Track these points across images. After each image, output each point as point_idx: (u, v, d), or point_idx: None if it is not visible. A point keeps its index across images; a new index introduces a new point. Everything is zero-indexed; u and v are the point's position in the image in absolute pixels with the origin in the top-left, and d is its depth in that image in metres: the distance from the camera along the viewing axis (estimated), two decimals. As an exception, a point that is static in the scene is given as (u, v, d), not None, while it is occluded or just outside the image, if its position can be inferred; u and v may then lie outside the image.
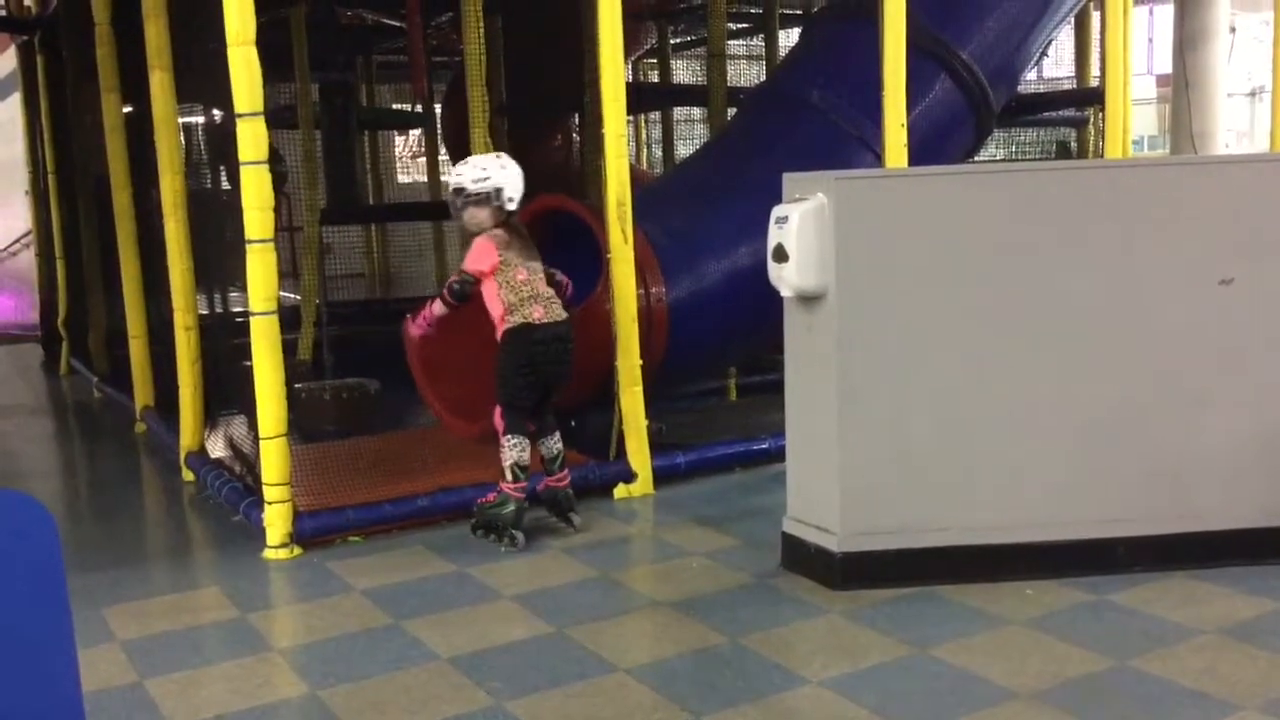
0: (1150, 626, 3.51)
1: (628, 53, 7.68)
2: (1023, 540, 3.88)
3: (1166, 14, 12.35)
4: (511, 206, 4.56)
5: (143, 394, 7.06)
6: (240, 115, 4.39)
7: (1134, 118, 7.55)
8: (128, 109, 6.89)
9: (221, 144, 5.45)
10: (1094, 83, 7.97)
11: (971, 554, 3.87)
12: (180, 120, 5.99)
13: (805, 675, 3.28)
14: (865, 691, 3.17)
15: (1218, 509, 3.94)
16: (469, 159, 4.71)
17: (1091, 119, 7.89)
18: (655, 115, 12.45)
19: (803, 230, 3.81)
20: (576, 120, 9.53)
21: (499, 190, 4.51)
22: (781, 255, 3.88)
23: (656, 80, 11.84)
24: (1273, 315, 3.92)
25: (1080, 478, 3.90)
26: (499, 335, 4.55)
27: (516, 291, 4.50)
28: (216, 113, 5.68)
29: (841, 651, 3.44)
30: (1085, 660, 3.30)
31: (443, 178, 11.64)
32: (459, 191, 4.55)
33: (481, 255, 4.51)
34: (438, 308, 4.58)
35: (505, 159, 4.63)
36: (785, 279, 3.90)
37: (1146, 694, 3.10)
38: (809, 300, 3.89)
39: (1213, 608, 3.63)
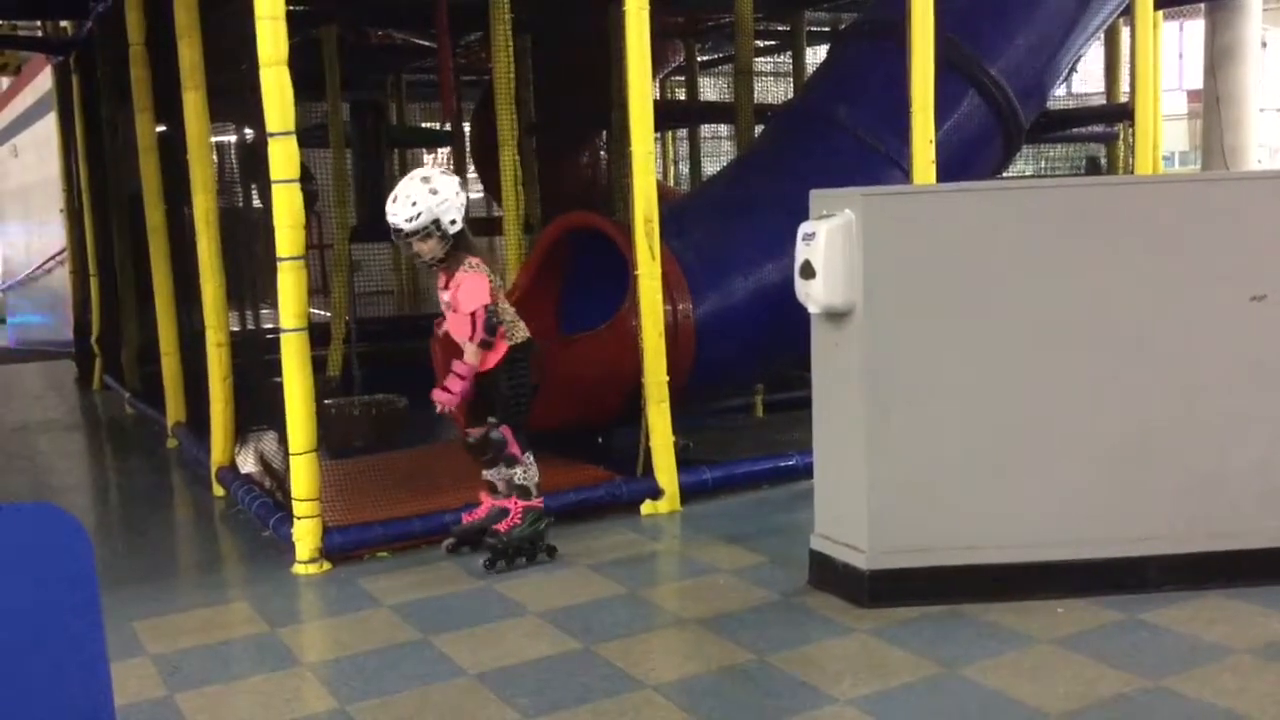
0: (1183, 646, 3.48)
1: (655, 71, 7.71)
2: (1053, 559, 3.85)
3: (1197, 29, 12.28)
4: (456, 229, 4.30)
5: (174, 409, 7.13)
6: (272, 134, 4.44)
7: (1164, 133, 7.52)
8: (161, 128, 6.97)
9: (253, 162, 5.49)
10: (1124, 98, 7.93)
11: (1001, 572, 3.84)
12: (213, 139, 6.06)
13: (833, 694, 3.27)
14: (894, 711, 3.15)
15: (1251, 527, 3.90)
16: (397, 191, 4.31)
17: (1121, 135, 7.84)
18: (682, 133, 12.46)
19: (830, 247, 3.81)
20: (604, 138, 9.56)
21: (436, 221, 4.25)
22: (809, 271, 3.88)
23: (684, 98, 11.86)
24: (1306, 332, 3.88)
25: (1111, 496, 3.87)
26: (497, 357, 4.39)
27: (505, 311, 4.47)
28: (249, 132, 5.73)
29: (870, 670, 3.42)
30: (1117, 680, 3.27)
31: (471, 196, 11.68)
32: (397, 232, 4.28)
33: (480, 289, 4.31)
34: (469, 355, 4.35)
35: (436, 179, 4.30)
36: (812, 295, 3.90)
37: (1179, 714, 3.07)
38: (836, 317, 3.88)
39: (1247, 627, 3.59)
